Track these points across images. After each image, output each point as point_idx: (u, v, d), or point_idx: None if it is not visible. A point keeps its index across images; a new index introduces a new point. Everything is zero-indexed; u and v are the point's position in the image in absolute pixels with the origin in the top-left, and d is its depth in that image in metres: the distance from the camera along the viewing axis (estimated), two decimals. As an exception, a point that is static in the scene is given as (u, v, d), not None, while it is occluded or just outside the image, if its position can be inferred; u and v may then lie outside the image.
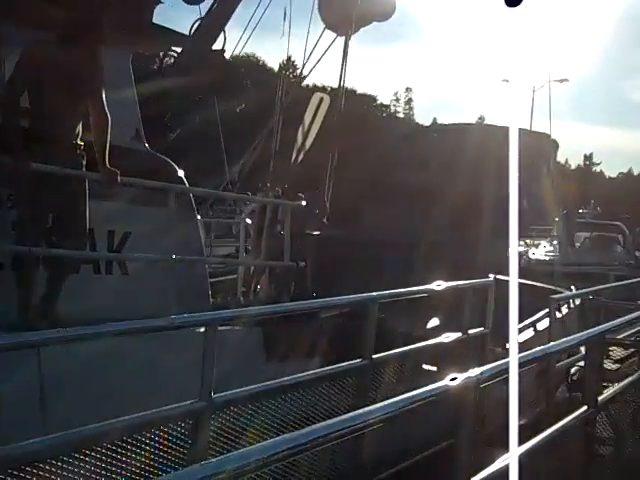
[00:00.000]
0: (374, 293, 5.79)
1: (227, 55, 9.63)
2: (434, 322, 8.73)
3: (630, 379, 5.83)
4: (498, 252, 10.30)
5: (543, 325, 9.04)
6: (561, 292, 9.56)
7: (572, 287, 11.39)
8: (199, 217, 7.96)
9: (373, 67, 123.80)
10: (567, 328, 9.00)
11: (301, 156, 9.88)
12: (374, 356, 5.73)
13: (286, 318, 6.24)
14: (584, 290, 10.08)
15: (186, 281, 6.73)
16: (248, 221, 10.20)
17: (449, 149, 11.54)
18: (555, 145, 12.65)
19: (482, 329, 7.61)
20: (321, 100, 10.18)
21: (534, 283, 9.87)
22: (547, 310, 8.76)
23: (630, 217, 43.25)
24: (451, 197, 10.38)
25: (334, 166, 10.28)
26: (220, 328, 4.47)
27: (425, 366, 6.94)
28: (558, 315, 9.39)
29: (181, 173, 7.23)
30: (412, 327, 7.76)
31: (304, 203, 8.85)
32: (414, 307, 7.36)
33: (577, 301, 10.88)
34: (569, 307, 10.43)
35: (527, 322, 8.71)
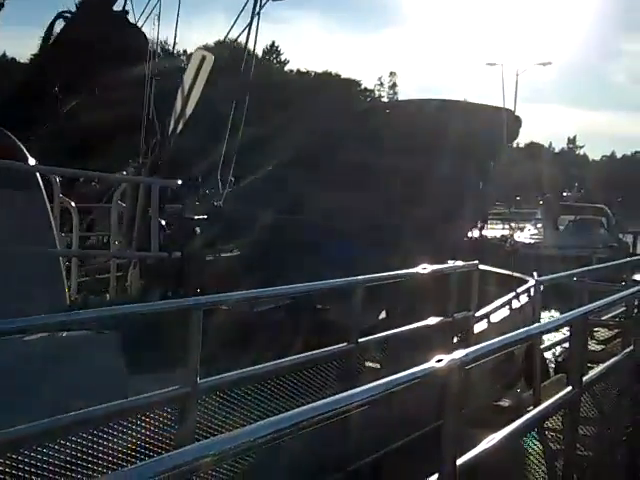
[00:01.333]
0: (360, 277, 5.77)
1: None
2: (384, 313, 8.45)
3: (614, 359, 5.87)
4: (451, 237, 9.76)
5: (505, 312, 9.03)
6: (523, 278, 9.40)
7: (534, 273, 11.20)
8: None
9: (357, 52, 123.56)
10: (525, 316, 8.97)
11: (180, 125, 8.53)
12: (360, 340, 5.72)
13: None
14: (567, 272, 10.13)
15: (27, 272, 5.94)
16: (122, 204, 8.59)
17: (401, 126, 10.55)
18: (518, 122, 11.63)
19: (467, 312, 7.62)
20: (203, 59, 8.64)
21: (498, 270, 9.67)
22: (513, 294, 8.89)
23: (622, 200, 43.67)
24: (402, 178, 9.73)
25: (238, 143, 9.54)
26: (66, 334, 4.26)
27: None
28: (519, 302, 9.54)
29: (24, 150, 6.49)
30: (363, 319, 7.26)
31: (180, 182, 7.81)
32: (368, 298, 7.08)
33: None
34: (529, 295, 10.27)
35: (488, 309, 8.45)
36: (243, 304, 5.94)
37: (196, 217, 8.83)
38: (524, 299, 8.92)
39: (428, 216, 9.15)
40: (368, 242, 8.87)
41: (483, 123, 10.41)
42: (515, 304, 8.81)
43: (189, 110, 8.51)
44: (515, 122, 11.91)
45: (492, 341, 3.51)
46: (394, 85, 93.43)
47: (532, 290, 8.93)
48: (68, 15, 9.54)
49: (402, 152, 9.79)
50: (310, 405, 2.33)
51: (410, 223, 9.01)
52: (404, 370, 2.83)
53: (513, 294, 8.84)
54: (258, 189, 10.61)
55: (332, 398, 2.43)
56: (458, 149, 9.67)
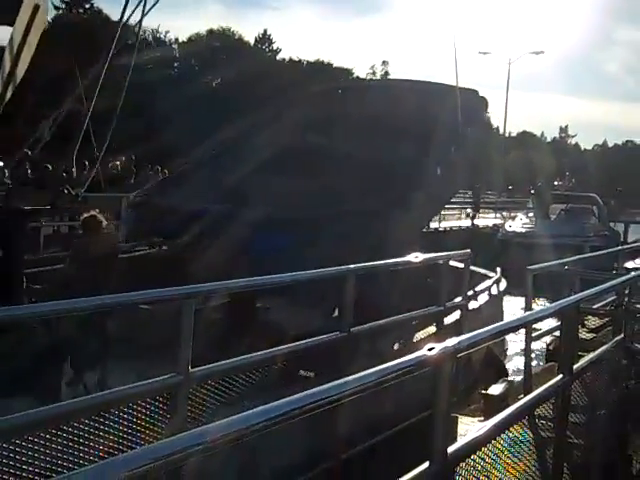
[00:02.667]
0: (351, 265, 5.77)
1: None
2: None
3: (605, 347, 5.90)
4: (403, 228, 8.65)
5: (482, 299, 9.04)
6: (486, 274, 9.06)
7: (497, 269, 10.90)
8: None
9: (350, 40, 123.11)
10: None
11: (9, 92, 6.89)
12: (352, 329, 5.74)
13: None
14: (559, 261, 10.16)
15: None
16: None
17: (351, 109, 9.84)
18: (483, 102, 11.20)
19: (459, 300, 7.65)
20: (35, 9, 6.75)
21: (456, 265, 8.98)
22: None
23: (622, 190, 43.73)
24: (350, 163, 8.94)
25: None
26: None
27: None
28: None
29: None
30: (308, 320, 6.91)
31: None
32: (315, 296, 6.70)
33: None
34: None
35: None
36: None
37: (32, 208, 7.92)
38: (488, 295, 8.70)
39: (375, 205, 8.47)
40: (304, 234, 8.15)
41: (439, 104, 9.80)
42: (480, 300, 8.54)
43: (20, 73, 6.97)
44: (479, 103, 11.06)
45: (485, 329, 3.51)
46: (386, 74, 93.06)
47: (496, 286, 8.74)
48: None
49: (351, 136, 9.30)
50: (302, 394, 2.33)
51: (356, 212, 8.37)
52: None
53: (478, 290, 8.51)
54: (193, 178, 9.98)
55: (324, 386, 2.43)
56: (410, 132, 9.14)
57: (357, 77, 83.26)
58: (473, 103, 10.52)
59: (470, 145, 10.65)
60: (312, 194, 8.68)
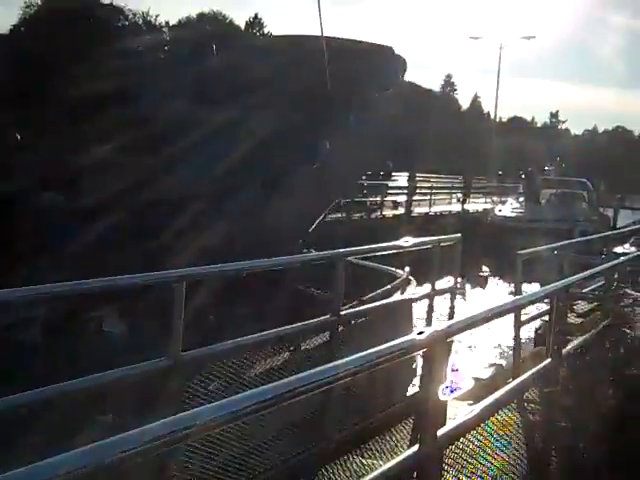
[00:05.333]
0: (341, 250, 5.77)
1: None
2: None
3: (593, 332, 5.95)
4: (276, 215, 7.31)
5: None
6: (395, 274, 7.46)
7: (406, 268, 7.97)
8: None
9: (342, 25, 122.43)
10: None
11: None
12: (342, 312, 5.75)
13: None
14: (550, 245, 10.18)
15: None
16: None
17: (227, 70, 8.08)
18: (398, 61, 9.14)
19: (450, 285, 7.67)
20: None
21: (367, 264, 7.63)
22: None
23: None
24: (214, 134, 7.19)
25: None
26: None
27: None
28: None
29: None
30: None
31: None
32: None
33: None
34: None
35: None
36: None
37: None
38: (399, 297, 6.96)
39: (250, 189, 7.06)
40: (129, 226, 6.77)
41: (328, 63, 7.79)
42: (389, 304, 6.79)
43: None
44: (394, 63, 9.10)
45: (476, 313, 3.53)
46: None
47: (407, 288, 7.11)
48: None
49: (220, 102, 7.56)
50: (294, 377, 2.34)
51: (225, 199, 6.96)
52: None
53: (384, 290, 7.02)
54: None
55: (316, 369, 2.44)
56: (289, 98, 7.58)
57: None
58: (386, 63, 8.80)
59: (381, 114, 9.03)
60: (153, 174, 7.01)
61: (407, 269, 7.53)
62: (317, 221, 8.78)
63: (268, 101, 7.50)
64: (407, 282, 7.23)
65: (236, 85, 7.64)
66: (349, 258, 6.42)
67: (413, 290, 7.26)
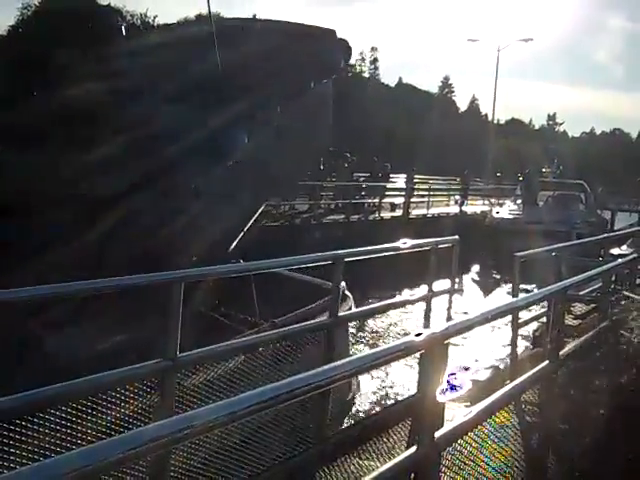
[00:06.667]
0: (340, 251, 5.76)
1: None
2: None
3: (590, 334, 5.95)
4: (175, 221, 6.38)
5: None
6: (328, 286, 6.33)
7: (342, 283, 6.61)
8: None
9: (339, 26, 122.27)
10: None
11: None
12: (340, 314, 5.75)
13: None
14: (546, 248, 10.19)
15: None
16: None
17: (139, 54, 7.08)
18: (346, 49, 8.23)
19: (448, 287, 7.68)
20: None
21: (297, 276, 7.03)
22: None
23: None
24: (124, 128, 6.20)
25: None
26: None
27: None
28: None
29: None
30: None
31: None
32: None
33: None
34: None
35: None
36: None
37: None
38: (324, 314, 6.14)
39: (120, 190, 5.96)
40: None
41: (276, 48, 7.10)
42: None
43: None
44: (331, 46, 7.96)
45: (474, 314, 3.53)
46: (375, 60, 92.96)
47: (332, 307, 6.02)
48: None
49: (115, 93, 6.60)
50: (291, 378, 2.34)
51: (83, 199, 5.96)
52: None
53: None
54: None
55: (314, 371, 2.44)
56: (186, 89, 6.62)
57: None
58: (324, 48, 7.78)
59: (317, 104, 7.96)
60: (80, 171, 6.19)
61: (343, 284, 6.53)
62: (244, 227, 7.64)
63: (169, 93, 6.65)
64: (341, 299, 6.44)
65: (140, 75, 6.77)
66: (279, 269, 6.19)
67: (349, 308, 6.45)
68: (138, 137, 6.12)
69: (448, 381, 3.59)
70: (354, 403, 5.27)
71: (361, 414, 6.13)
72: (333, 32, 7.80)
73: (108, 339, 5.59)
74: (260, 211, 8.11)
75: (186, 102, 6.67)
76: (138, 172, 6.02)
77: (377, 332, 15.51)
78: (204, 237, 6.65)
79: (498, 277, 23.65)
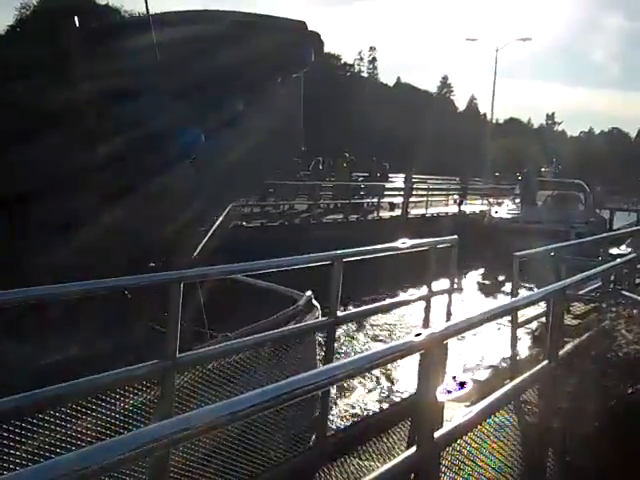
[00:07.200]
0: (339, 251, 5.75)
1: None
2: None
3: (590, 333, 5.95)
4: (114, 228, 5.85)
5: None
6: (296, 297, 6.34)
7: (308, 292, 6.50)
8: None
9: (337, 26, 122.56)
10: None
11: None
12: (339, 314, 5.74)
13: None
14: (545, 247, 10.20)
15: None
16: None
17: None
18: (317, 42, 7.53)
19: (448, 287, 7.68)
20: None
21: (259, 282, 6.70)
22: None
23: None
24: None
25: None
26: None
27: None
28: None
29: None
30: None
31: None
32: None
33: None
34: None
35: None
36: None
37: None
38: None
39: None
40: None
41: (241, 40, 6.73)
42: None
43: None
44: (301, 39, 7.48)
45: (472, 314, 3.53)
46: (374, 60, 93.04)
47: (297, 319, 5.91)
48: None
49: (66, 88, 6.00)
50: (291, 379, 2.34)
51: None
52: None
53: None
54: None
55: (313, 371, 2.44)
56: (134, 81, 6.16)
57: (345, 63, 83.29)
58: (293, 40, 7.34)
59: (285, 100, 7.55)
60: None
61: (309, 293, 6.36)
62: (208, 230, 7.20)
63: (117, 85, 6.16)
64: (307, 310, 6.13)
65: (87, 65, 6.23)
66: (238, 276, 5.98)
67: (315, 319, 6.02)
68: (74, 134, 5.78)
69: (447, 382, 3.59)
70: (324, 419, 5.20)
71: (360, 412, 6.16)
72: (302, 24, 7.42)
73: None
74: (225, 213, 7.67)
75: (132, 98, 6.23)
76: (70, 171, 5.63)
77: (376, 334, 15.54)
78: (154, 244, 6.37)
79: (497, 276, 23.66)
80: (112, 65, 6.25)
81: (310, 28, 7.44)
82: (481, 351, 13.38)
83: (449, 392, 3.96)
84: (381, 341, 14.64)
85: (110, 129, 5.94)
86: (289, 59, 7.45)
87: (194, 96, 6.45)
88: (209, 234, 7.12)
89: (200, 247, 6.94)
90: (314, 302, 6.36)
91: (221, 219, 7.46)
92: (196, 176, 6.65)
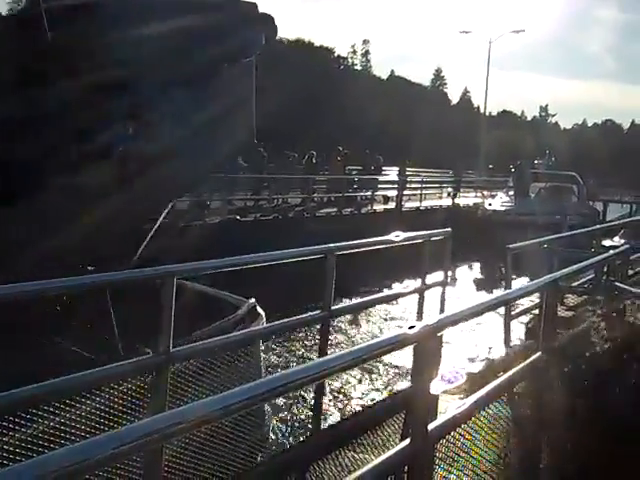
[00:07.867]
0: (332, 244, 5.75)
1: None
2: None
3: (583, 325, 5.96)
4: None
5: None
6: (238, 304, 6.14)
7: (252, 299, 6.39)
8: None
9: (330, 19, 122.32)
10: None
11: None
12: (333, 307, 5.75)
13: None
14: (538, 239, 10.22)
15: None
16: None
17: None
18: (269, 25, 6.86)
19: (441, 280, 7.69)
20: None
21: (204, 288, 6.52)
22: None
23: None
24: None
25: None
26: None
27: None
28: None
29: None
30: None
31: None
32: None
33: None
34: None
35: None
36: None
37: None
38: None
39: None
40: None
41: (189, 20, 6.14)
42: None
43: None
44: (249, 21, 6.85)
45: (466, 307, 3.53)
46: (367, 53, 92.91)
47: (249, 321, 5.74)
48: None
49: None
50: (288, 370, 2.34)
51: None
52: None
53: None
54: None
55: (309, 363, 2.44)
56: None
57: (339, 56, 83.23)
58: (240, 24, 6.72)
59: (232, 88, 6.96)
60: None
61: (252, 300, 6.11)
62: (149, 230, 6.81)
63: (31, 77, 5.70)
64: (252, 317, 5.89)
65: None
66: (183, 280, 5.58)
67: (259, 327, 5.75)
68: None
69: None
70: (318, 413, 5.11)
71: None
72: (253, 5, 6.76)
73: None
74: (167, 212, 7.31)
75: (44, 87, 5.72)
76: None
77: (369, 329, 15.56)
78: (90, 243, 6.05)
79: (490, 269, 23.70)
80: (34, 49, 5.80)
81: (262, 10, 6.85)
82: (475, 343, 13.41)
83: (444, 384, 3.97)
84: (375, 334, 14.66)
85: (27, 119, 5.55)
86: (236, 44, 6.74)
87: (123, 88, 5.98)
88: (150, 234, 6.76)
89: (142, 247, 6.60)
90: (259, 309, 6.09)
91: (162, 218, 7.08)
92: (120, 172, 6.19)
